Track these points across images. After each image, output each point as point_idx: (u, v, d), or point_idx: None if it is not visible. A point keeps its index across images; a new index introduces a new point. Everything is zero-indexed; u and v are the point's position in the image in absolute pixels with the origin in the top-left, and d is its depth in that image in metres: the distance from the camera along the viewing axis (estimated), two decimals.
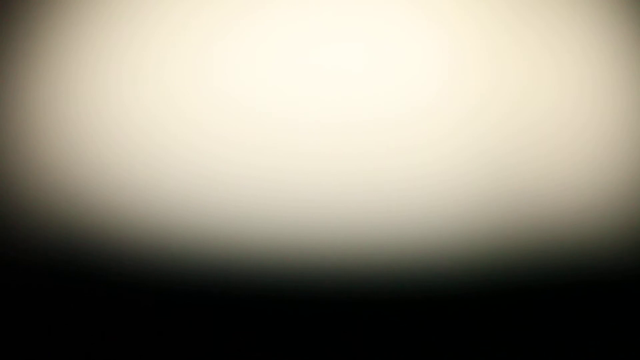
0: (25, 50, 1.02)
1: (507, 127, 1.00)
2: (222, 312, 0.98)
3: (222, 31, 1.01)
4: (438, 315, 0.98)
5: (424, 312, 0.98)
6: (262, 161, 0.99)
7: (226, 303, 0.98)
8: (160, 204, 0.99)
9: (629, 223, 0.99)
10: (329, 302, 0.98)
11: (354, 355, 0.97)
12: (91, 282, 0.99)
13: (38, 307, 0.99)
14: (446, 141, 0.99)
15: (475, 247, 0.98)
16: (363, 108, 1.00)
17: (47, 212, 0.99)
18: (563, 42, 1.01)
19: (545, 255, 0.98)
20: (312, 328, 0.98)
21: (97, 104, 1.01)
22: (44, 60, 1.02)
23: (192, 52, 1.01)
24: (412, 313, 0.98)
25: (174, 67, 1.01)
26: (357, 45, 1.01)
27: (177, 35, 1.01)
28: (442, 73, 1.00)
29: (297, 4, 1.01)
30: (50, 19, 1.02)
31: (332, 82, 1.00)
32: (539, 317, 0.98)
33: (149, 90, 1.01)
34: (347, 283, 0.98)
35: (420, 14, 1.01)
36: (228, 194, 0.99)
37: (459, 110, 1.00)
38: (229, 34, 1.01)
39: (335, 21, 1.01)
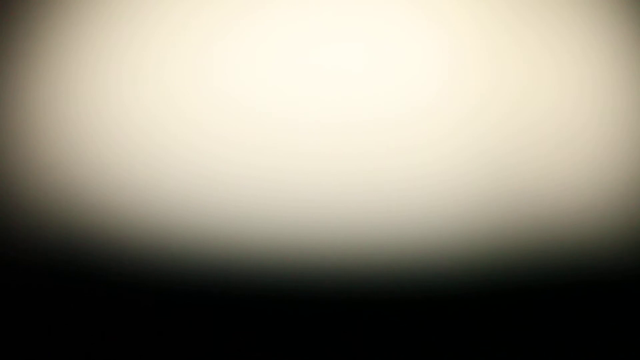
0: (25, 50, 1.02)
1: (507, 127, 1.00)
2: (222, 312, 0.98)
3: (222, 31, 1.01)
4: (438, 315, 0.98)
5: (424, 312, 0.98)
6: (262, 161, 0.99)
7: (226, 303, 0.98)
8: (160, 204, 0.99)
9: (629, 223, 0.99)
10: (329, 302, 0.98)
11: (354, 355, 0.97)
12: (91, 282, 0.99)
13: (38, 307, 0.99)
14: (446, 141, 0.99)
15: (475, 247, 0.98)
16: (363, 108, 1.00)
17: (47, 212, 0.99)
18: (563, 42, 1.01)
19: (545, 255, 0.98)
20: (312, 328, 0.98)
21: (97, 104, 1.01)
22: (44, 60, 1.02)
23: (192, 52, 1.01)
24: (412, 313, 0.98)
25: (174, 67, 1.01)
26: (357, 45, 1.01)
27: (177, 35, 1.01)
28: (442, 73, 1.00)
29: (297, 4, 1.01)
30: (50, 19, 1.02)
31: (332, 82, 1.00)
32: (539, 317, 0.98)
33: (149, 90, 1.01)
34: (347, 283, 0.98)
35: (420, 14, 1.01)
36: (228, 194, 0.99)
37: (459, 110, 1.00)
38: (229, 34, 1.01)
39: (335, 21, 1.01)
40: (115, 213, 0.99)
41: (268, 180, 0.99)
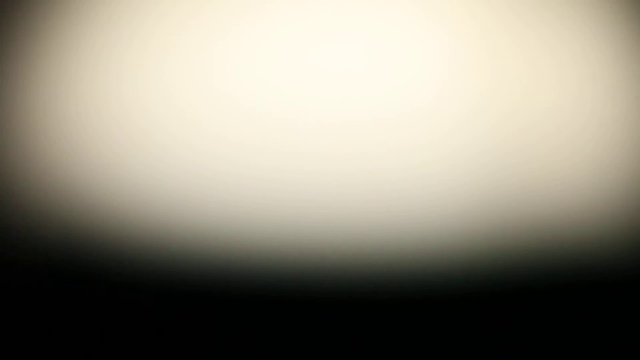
0: (25, 50, 1.02)
1: (507, 127, 1.00)
2: (222, 312, 0.98)
3: (222, 31, 1.01)
4: (438, 315, 0.98)
5: (424, 312, 0.98)
6: (262, 161, 0.99)
7: (226, 303, 0.98)
8: (160, 204, 0.99)
9: (629, 223, 0.99)
10: (329, 302, 0.98)
11: (354, 355, 0.97)
12: (91, 282, 0.99)
13: (38, 307, 0.99)
14: (446, 141, 0.99)
15: (475, 247, 0.98)
16: (363, 108, 1.00)
17: (47, 212, 0.99)
18: (563, 42, 1.01)
19: (545, 255, 0.98)
20: (312, 328, 0.98)
21: (97, 104, 1.01)
22: (44, 60, 1.02)
23: (192, 52, 1.01)
24: (412, 313, 0.98)
25: (174, 67, 1.01)
26: (357, 45, 1.01)
27: (177, 35, 1.01)
28: (442, 73, 1.00)
29: (297, 4, 1.01)
30: (50, 19, 1.02)
31: (332, 82, 1.00)
32: (539, 317, 0.98)
33: (149, 90, 1.01)
34: (347, 283, 0.98)
35: (420, 14, 1.01)
36: (228, 194, 0.99)
37: (459, 110, 1.00)
38: (229, 34, 1.01)
39: (335, 21, 1.01)
40: (115, 213, 0.99)
41: (268, 180, 0.99)
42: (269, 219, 0.99)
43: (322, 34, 1.01)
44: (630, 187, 0.99)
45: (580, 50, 1.01)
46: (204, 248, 0.99)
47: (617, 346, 0.98)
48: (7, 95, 1.01)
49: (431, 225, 0.98)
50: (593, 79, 1.00)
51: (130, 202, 0.99)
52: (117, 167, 1.00)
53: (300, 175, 0.99)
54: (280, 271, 0.98)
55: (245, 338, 0.98)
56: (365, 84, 1.00)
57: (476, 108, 1.00)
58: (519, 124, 1.00)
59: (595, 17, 1.01)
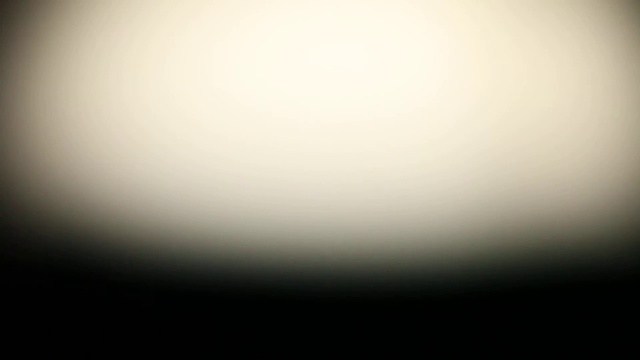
0: (25, 50, 1.02)
1: (507, 127, 1.00)
2: (222, 312, 0.98)
3: (222, 31, 1.01)
4: (438, 315, 0.98)
5: (424, 312, 0.98)
6: (262, 161, 0.99)
7: (226, 303, 0.98)
8: (160, 204, 0.99)
9: (629, 223, 0.99)
10: (329, 302, 0.98)
11: (354, 355, 0.97)
12: (91, 282, 0.99)
13: (38, 307, 0.99)
14: (446, 141, 0.99)
15: (475, 247, 0.98)
16: (363, 108, 1.00)
17: (47, 212, 0.99)
18: (563, 42, 1.01)
19: (545, 255, 0.98)
20: (312, 328, 0.98)
21: (97, 104, 1.01)
22: (44, 60, 1.02)
23: (192, 52, 1.01)
24: (412, 313, 0.98)
25: (174, 67, 1.01)
26: (357, 45, 1.01)
27: (177, 35, 1.01)
28: (442, 73, 1.00)
29: (297, 4, 1.01)
30: (50, 19, 1.02)
31: (332, 82, 1.00)
32: (539, 317, 0.98)
33: (149, 90, 1.01)
34: (347, 283, 0.98)
35: (420, 14, 1.01)
36: (228, 194, 0.99)
37: (459, 110, 1.00)
38: (229, 34, 1.01)
39: (335, 21, 1.01)
40: (115, 213, 0.99)
41: (268, 180, 0.99)
42: (269, 219, 0.99)
43: (322, 34, 1.01)
44: (630, 187, 0.99)
45: (580, 50, 1.01)
46: (204, 248, 0.99)
47: (617, 346, 0.98)
48: (7, 95, 1.01)
49: (431, 225, 0.98)
50: (593, 79, 1.00)
51: (130, 202, 0.99)
52: (117, 167, 1.00)
53: (300, 175, 0.99)
54: (280, 271, 0.98)
55: (245, 338, 0.98)
56: (365, 84, 1.00)
57: (476, 108, 1.00)
58: (519, 124, 1.00)
59: (595, 17, 1.01)
